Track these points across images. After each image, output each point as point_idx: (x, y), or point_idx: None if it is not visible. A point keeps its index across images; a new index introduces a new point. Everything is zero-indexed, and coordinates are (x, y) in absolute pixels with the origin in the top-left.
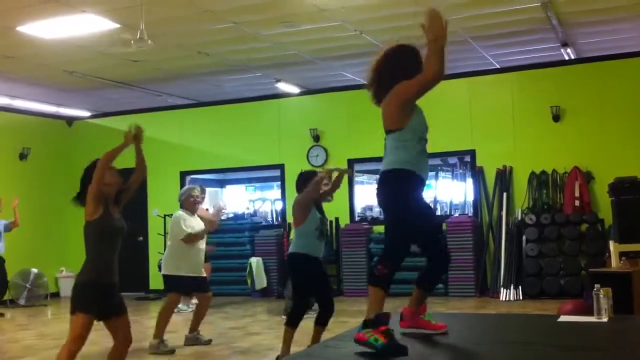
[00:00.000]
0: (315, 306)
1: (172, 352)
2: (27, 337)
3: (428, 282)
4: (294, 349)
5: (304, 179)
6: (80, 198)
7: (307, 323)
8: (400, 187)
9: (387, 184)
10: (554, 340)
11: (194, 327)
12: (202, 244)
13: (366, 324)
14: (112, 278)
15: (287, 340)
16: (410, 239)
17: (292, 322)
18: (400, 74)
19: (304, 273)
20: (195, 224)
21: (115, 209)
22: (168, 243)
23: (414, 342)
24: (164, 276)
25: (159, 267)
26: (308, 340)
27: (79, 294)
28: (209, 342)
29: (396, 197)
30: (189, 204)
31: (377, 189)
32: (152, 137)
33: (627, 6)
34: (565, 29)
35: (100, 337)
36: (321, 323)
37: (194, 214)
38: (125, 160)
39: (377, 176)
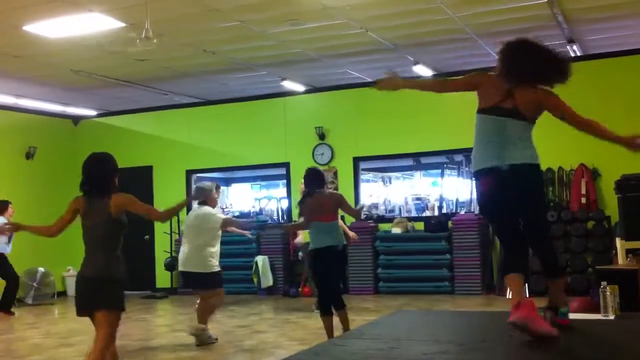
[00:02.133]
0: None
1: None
2: (34, 336)
3: (545, 269)
4: (299, 347)
5: (321, 178)
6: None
7: (311, 322)
8: (476, 188)
9: None
10: (561, 337)
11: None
12: None
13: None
14: (86, 272)
15: (329, 328)
16: (502, 228)
17: (325, 311)
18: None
19: (315, 267)
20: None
21: (92, 210)
22: (200, 240)
23: (420, 342)
24: (214, 273)
25: (166, 265)
26: (315, 339)
27: None
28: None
29: (477, 197)
30: (213, 200)
31: None
32: (158, 136)
33: (634, 2)
34: (571, 26)
35: None
36: (325, 312)
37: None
38: (134, 159)
39: (383, 174)
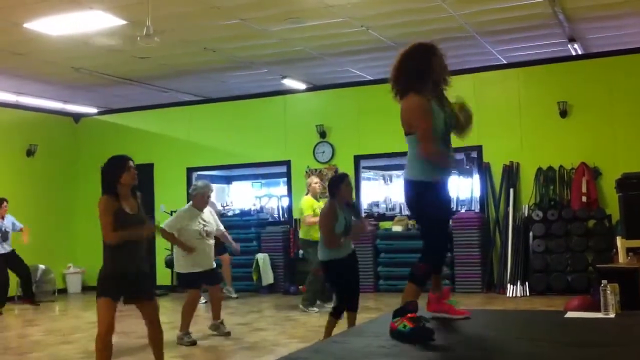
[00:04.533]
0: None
1: (194, 343)
2: (35, 333)
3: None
4: (299, 345)
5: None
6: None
7: (311, 320)
8: (424, 198)
9: (412, 196)
10: (561, 336)
11: (216, 316)
12: (211, 240)
13: (396, 313)
14: (133, 267)
15: (329, 329)
16: (446, 237)
17: (336, 314)
18: (413, 74)
19: (330, 278)
20: (200, 220)
21: (130, 204)
22: (213, 238)
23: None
24: (179, 274)
25: (166, 263)
26: (316, 336)
27: (100, 282)
28: (227, 334)
29: (425, 207)
30: (199, 201)
31: (405, 195)
32: (159, 134)
33: (635, 1)
34: (572, 24)
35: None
36: (336, 315)
37: (202, 210)
38: (135, 156)
39: (384, 172)
